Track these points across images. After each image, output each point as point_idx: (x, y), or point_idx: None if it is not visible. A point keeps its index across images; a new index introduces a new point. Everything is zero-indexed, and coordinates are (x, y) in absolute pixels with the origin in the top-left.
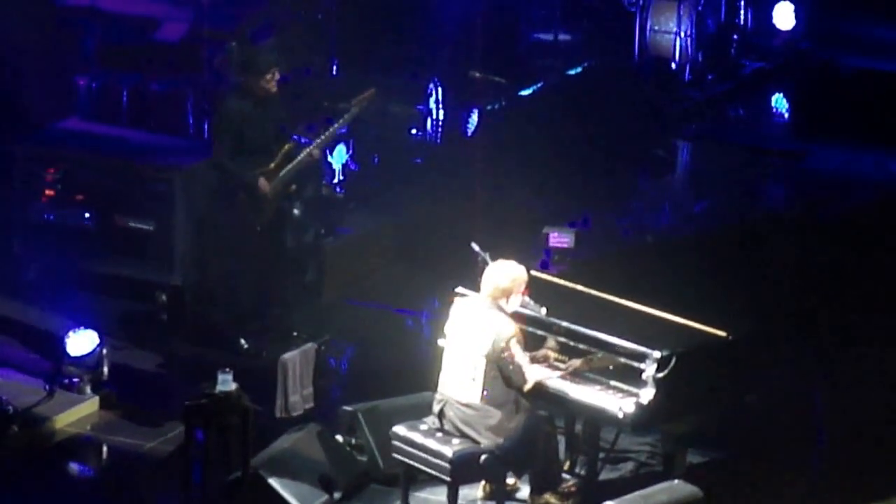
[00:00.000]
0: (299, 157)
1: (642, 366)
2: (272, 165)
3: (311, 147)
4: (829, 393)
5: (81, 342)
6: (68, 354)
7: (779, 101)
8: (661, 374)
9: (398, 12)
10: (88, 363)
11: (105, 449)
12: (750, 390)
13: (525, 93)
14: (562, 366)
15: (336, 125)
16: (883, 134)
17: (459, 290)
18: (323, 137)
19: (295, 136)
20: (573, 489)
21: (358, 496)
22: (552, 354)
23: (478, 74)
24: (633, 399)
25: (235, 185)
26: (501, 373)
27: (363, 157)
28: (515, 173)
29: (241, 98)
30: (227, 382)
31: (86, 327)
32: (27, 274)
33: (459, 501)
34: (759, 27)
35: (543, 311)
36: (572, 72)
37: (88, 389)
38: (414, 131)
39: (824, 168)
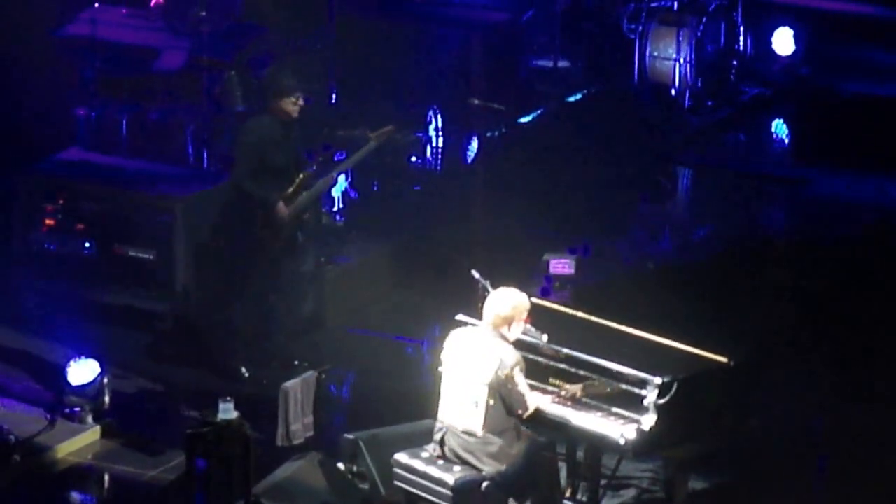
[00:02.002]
0: (316, 186)
1: (644, 392)
2: (290, 191)
3: (331, 174)
4: (830, 418)
5: (82, 371)
6: (69, 384)
7: (779, 127)
8: (662, 401)
9: (397, 40)
10: (90, 392)
11: (107, 478)
12: (751, 416)
13: (525, 119)
14: (563, 392)
15: (355, 156)
16: (883, 159)
17: (460, 317)
18: (342, 165)
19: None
20: None
21: None
22: (555, 381)
23: (477, 101)
24: (635, 425)
25: (254, 205)
26: (503, 401)
27: (363, 185)
28: (515, 200)
29: (262, 119)
30: (228, 411)
31: (87, 356)
32: (28, 303)
33: None
34: (759, 53)
35: (545, 338)
36: (572, 98)
37: (90, 418)
38: (413, 159)
39: (825, 193)
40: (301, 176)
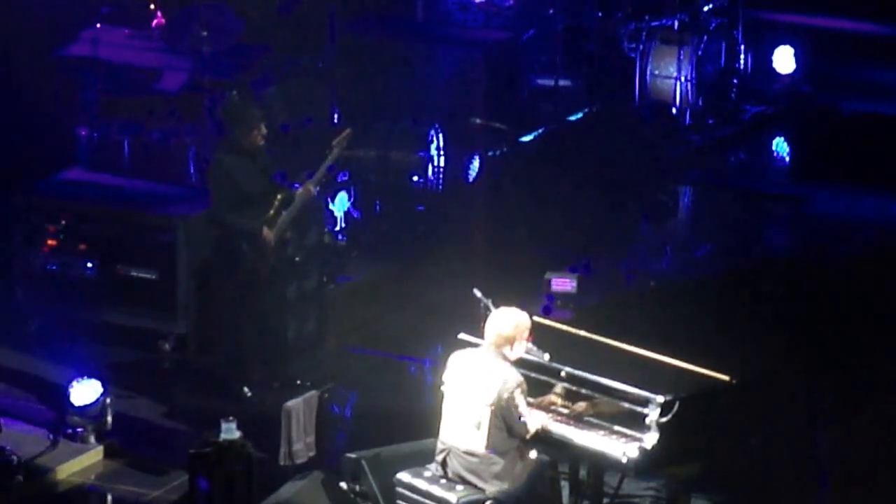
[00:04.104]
0: (294, 203)
1: (646, 410)
2: (271, 213)
3: (305, 185)
4: (832, 435)
5: (85, 391)
6: (72, 404)
7: (779, 146)
8: (664, 419)
9: (398, 60)
10: (92, 412)
11: (109, 498)
12: (753, 434)
13: (526, 139)
14: (565, 411)
15: (322, 166)
16: (884, 177)
17: (463, 336)
18: (315, 179)
19: (297, 185)
20: None
21: None
22: (556, 400)
23: (479, 121)
24: (637, 444)
25: (237, 237)
26: (505, 422)
27: (365, 205)
28: (517, 219)
29: (230, 151)
30: (230, 431)
31: (89, 377)
32: (30, 324)
33: None
34: (759, 71)
35: (546, 356)
36: (573, 117)
37: (92, 439)
38: (415, 178)
39: (825, 212)
40: (279, 197)
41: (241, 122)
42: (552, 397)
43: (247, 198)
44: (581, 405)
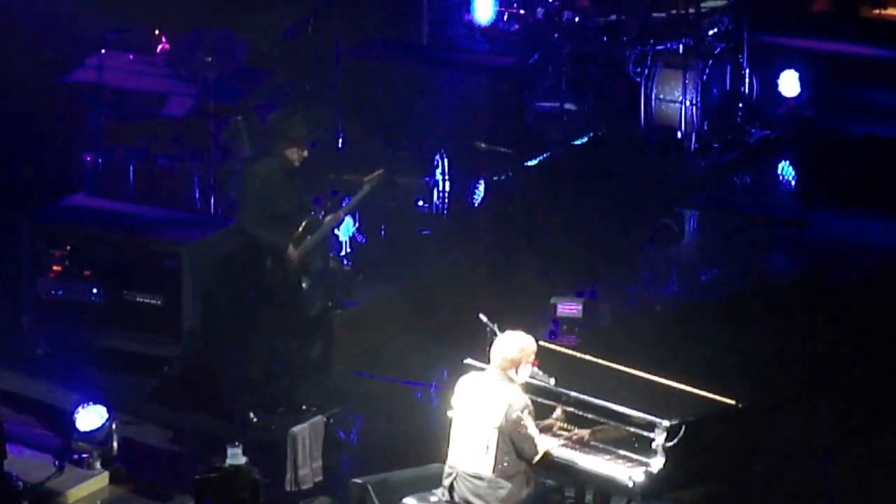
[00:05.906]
0: (321, 229)
1: (652, 435)
2: (297, 235)
3: (336, 214)
4: (836, 460)
5: (91, 417)
6: (78, 430)
7: (785, 169)
8: (670, 443)
9: (403, 85)
10: (98, 438)
11: None
12: (759, 457)
13: (531, 163)
14: (571, 435)
15: (352, 201)
16: (890, 201)
17: (468, 361)
18: (342, 211)
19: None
20: None
21: None
22: (556, 423)
23: (484, 145)
24: (643, 468)
25: (263, 250)
26: (513, 444)
27: (370, 229)
28: (522, 244)
29: (266, 164)
30: (236, 456)
31: (95, 402)
32: (36, 350)
33: None
34: (765, 95)
35: (552, 381)
36: (578, 142)
37: (98, 464)
38: (420, 202)
39: (831, 236)
40: (306, 221)
41: (284, 137)
42: (554, 420)
43: (275, 214)
44: (586, 430)
